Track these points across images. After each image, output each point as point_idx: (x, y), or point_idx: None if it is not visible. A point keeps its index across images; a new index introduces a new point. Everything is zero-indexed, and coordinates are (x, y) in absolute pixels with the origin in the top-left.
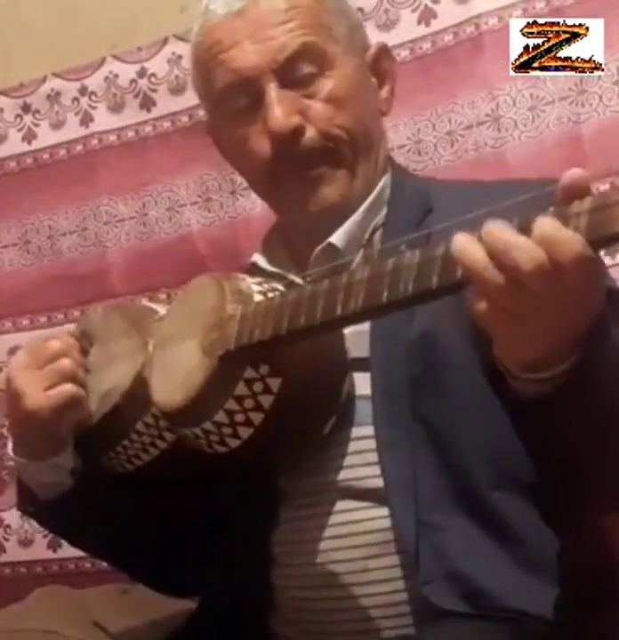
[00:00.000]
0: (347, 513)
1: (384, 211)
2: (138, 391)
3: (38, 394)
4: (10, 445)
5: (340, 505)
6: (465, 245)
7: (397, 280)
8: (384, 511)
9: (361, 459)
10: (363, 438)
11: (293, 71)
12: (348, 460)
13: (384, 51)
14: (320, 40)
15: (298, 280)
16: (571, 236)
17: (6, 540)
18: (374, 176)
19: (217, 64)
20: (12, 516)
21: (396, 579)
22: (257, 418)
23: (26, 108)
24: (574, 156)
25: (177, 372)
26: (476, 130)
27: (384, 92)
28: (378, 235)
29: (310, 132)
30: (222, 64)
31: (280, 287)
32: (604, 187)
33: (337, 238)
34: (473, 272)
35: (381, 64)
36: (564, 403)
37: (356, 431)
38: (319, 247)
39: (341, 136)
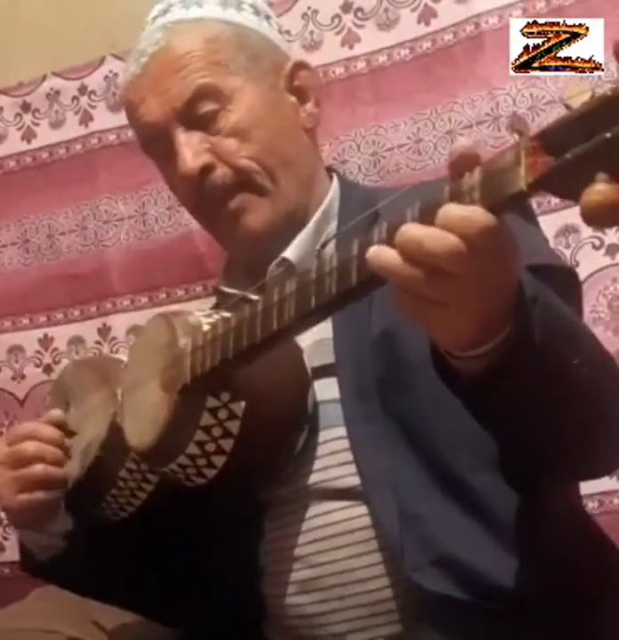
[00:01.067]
0: (326, 515)
1: (335, 222)
2: (114, 440)
3: (11, 496)
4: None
5: (318, 508)
6: (377, 251)
7: (321, 285)
8: (363, 509)
9: (334, 459)
10: (334, 440)
11: (195, 113)
12: (320, 463)
13: (299, 67)
14: (215, 78)
15: (254, 297)
16: (471, 212)
17: (6, 539)
18: (303, 192)
19: (134, 122)
20: None
21: (381, 576)
22: (228, 445)
23: (25, 108)
24: None
25: (145, 414)
26: (476, 129)
27: (308, 107)
28: (331, 245)
29: (221, 169)
30: (137, 121)
31: (228, 315)
32: None
33: (290, 253)
34: (390, 273)
35: (296, 81)
36: (508, 372)
37: (325, 434)
38: (274, 263)
39: (251, 166)
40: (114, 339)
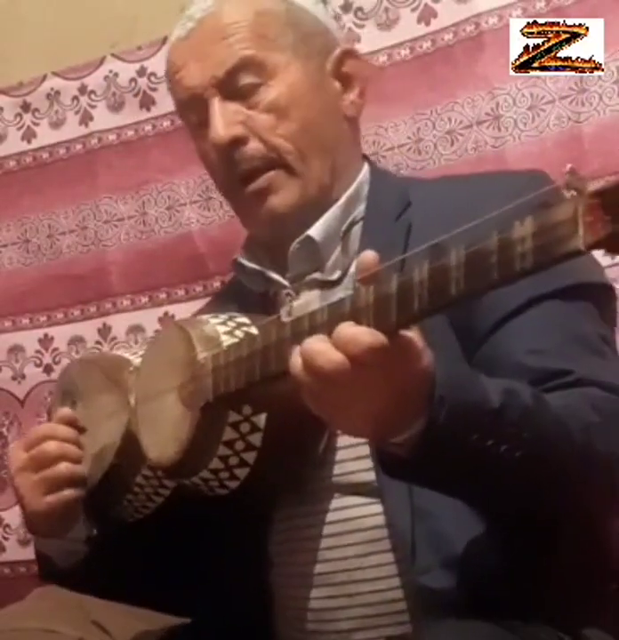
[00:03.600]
0: (340, 511)
1: (363, 205)
2: (130, 448)
3: (38, 499)
4: (11, 442)
5: (333, 503)
6: (294, 356)
7: (357, 319)
8: (377, 507)
9: (351, 453)
10: None
11: (234, 83)
12: (338, 456)
13: (348, 54)
14: (260, 52)
15: (278, 278)
16: (360, 333)
17: (6, 539)
18: (334, 180)
19: (173, 84)
20: (12, 516)
21: (391, 576)
22: (251, 457)
23: (25, 107)
24: (574, 155)
25: (164, 428)
26: (476, 129)
27: (352, 96)
28: (356, 228)
29: (253, 143)
30: (177, 84)
31: (244, 320)
32: None
33: (315, 231)
34: (294, 377)
35: (344, 68)
36: (426, 460)
37: None
38: (297, 240)
39: (285, 146)
40: (114, 338)
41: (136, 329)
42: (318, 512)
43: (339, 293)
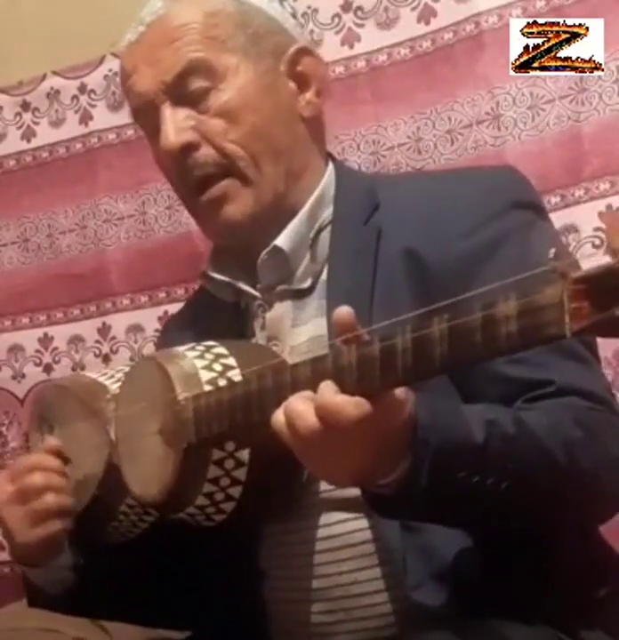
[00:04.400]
0: (331, 526)
1: (330, 209)
2: (112, 479)
3: (25, 531)
4: (11, 441)
5: (322, 518)
6: (277, 413)
7: (340, 378)
8: (366, 522)
9: None
10: None
11: (184, 88)
12: None
13: (304, 52)
14: (209, 54)
15: (248, 289)
16: (345, 405)
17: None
18: (290, 184)
19: (126, 90)
20: None
21: (384, 589)
22: (236, 491)
23: (25, 106)
24: (573, 154)
25: (147, 467)
26: (476, 128)
27: (308, 95)
28: (324, 234)
29: (205, 148)
30: (129, 90)
31: (221, 350)
32: (604, 186)
33: (282, 241)
34: (277, 432)
35: (299, 67)
36: (413, 500)
37: None
38: (265, 251)
39: (236, 152)
40: (114, 338)
41: (136, 328)
42: (309, 527)
43: (311, 302)
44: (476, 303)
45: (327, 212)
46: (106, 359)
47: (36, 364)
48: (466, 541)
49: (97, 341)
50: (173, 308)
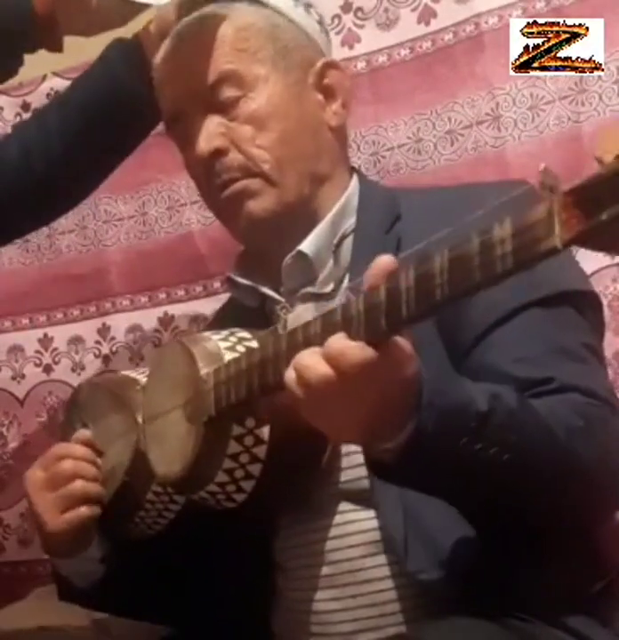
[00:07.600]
0: (342, 514)
1: (353, 218)
2: (139, 466)
3: (55, 518)
4: (10, 442)
5: (334, 508)
6: (288, 370)
7: (348, 328)
8: (373, 511)
9: (349, 461)
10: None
11: (216, 97)
12: (337, 463)
13: (330, 66)
14: (239, 65)
15: (271, 293)
16: (349, 348)
17: (6, 539)
18: (314, 189)
19: (160, 99)
20: (12, 516)
21: (390, 576)
22: (256, 469)
23: (25, 107)
24: (574, 155)
25: (170, 444)
26: (476, 129)
27: (334, 107)
28: (347, 241)
29: (233, 154)
30: (162, 103)
31: (245, 334)
32: None
33: (306, 246)
34: (288, 389)
35: (326, 80)
36: (415, 464)
37: None
38: (289, 255)
39: (262, 156)
40: (113, 338)
41: (136, 329)
42: (322, 517)
43: (333, 305)
44: (472, 232)
45: (351, 221)
46: (106, 360)
47: (36, 365)
48: (468, 529)
49: (97, 342)
50: (173, 309)
